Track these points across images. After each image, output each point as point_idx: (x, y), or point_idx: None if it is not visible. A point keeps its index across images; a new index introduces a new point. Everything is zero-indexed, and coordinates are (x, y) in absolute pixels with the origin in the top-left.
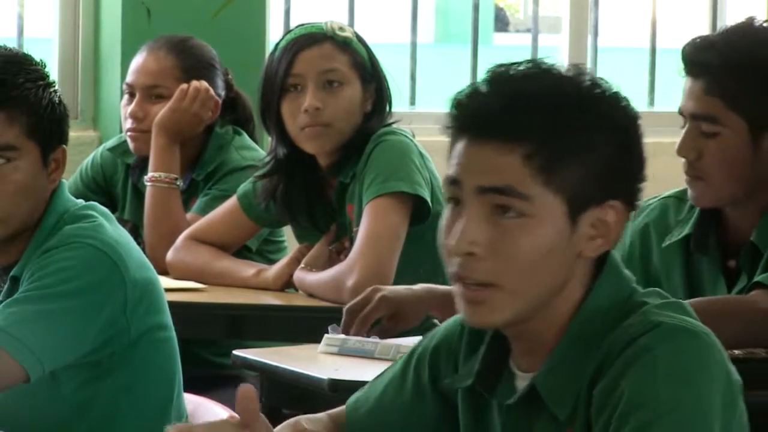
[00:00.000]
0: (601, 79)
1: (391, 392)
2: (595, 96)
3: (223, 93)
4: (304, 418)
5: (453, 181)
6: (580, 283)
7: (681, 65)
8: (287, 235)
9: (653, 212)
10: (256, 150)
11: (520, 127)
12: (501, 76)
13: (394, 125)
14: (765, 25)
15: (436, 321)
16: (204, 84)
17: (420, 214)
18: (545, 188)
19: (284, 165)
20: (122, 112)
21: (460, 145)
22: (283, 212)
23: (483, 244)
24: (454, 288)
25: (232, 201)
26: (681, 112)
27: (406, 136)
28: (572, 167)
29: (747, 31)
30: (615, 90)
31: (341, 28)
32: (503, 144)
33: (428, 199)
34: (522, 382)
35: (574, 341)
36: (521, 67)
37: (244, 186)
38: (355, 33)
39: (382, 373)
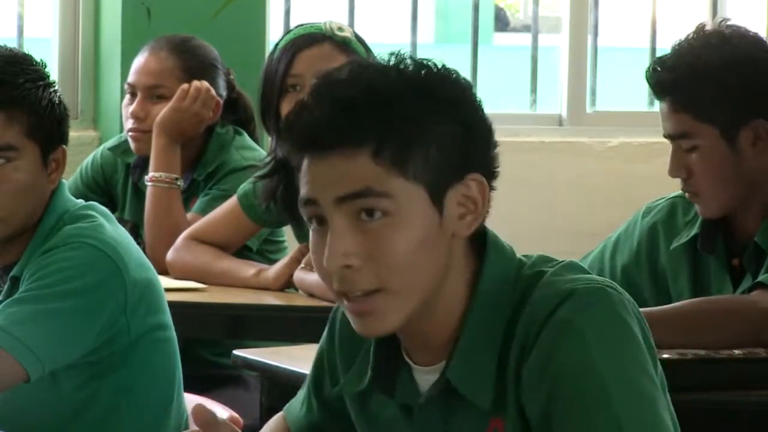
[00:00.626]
0: (425, 59)
1: (299, 407)
2: (422, 78)
3: (224, 93)
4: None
5: (309, 201)
6: (464, 267)
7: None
8: (287, 235)
9: (661, 212)
10: (257, 150)
11: (357, 129)
12: (324, 86)
13: None
14: (716, 27)
15: None
16: (205, 84)
17: None
18: (402, 180)
19: (284, 165)
20: (123, 112)
21: (305, 164)
22: (284, 212)
23: (356, 253)
24: (339, 304)
25: (232, 201)
26: (664, 136)
27: None
28: (422, 152)
29: (695, 40)
30: (441, 66)
31: (340, 28)
32: (347, 151)
33: None
34: (424, 376)
35: (479, 326)
36: (342, 71)
37: (245, 186)
38: (355, 33)
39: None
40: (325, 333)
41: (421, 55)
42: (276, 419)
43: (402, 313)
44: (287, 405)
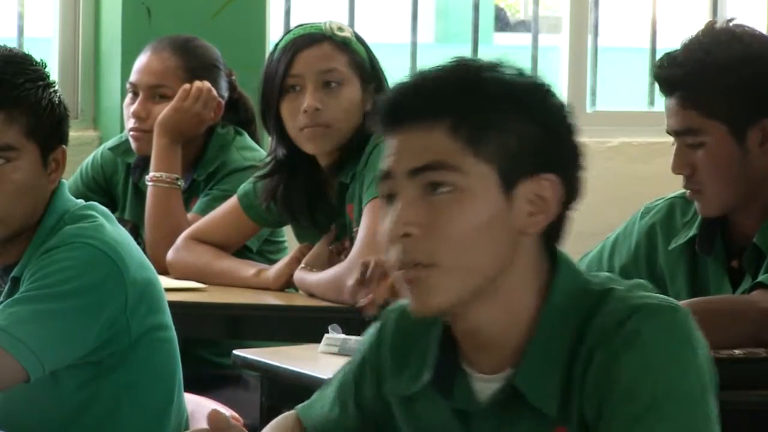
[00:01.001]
0: (526, 69)
1: (328, 409)
2: (515, 78)
3: (226, 94)
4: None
5: (386, 175)
6: (535, 273)
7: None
8: (287, 235)
9: (659, 213)
10: (258, 150)
11: (440, 102)
12: (421, 71)
13: None
14: (725, 26)
15: None
16: (206, 84)
17: None
18: (475, 159)
19: (284, 165)
20: (125, 111)
21: (388, 140)
22: (284, 212)
23: (418, 224)
24: (396, 277)
25: (232, 201)
26: (668, 132)
27: None
28: (498, 138)
29: (705, 37)
30: (540, 78)
31: (340, 28)
32: (426, 122)
33: None
34: (483, 384)
35: (549, 335)
36: (442, 63)
37: (245, 186)
38: (355, 33)
39: (330, 381)
40: (370, 336)
41: (421, 55)
42: (285, 419)
43: (451, 293)
44: (301, 406)
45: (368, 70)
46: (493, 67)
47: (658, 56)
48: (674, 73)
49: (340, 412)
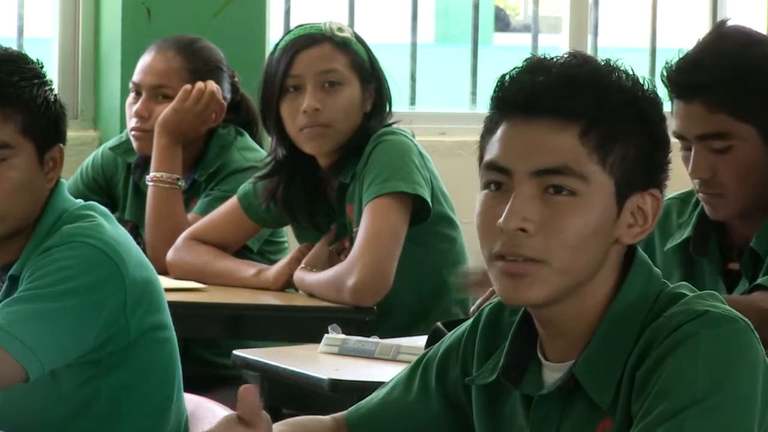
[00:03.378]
0: (635, 74)
1: (395, 394)
2: (634, 85)
3: (228, 96)
4: (307, 418)
5: (499, 168)
6: (612, 274)
7: (664, 90)
8: (288, 235)
9: None
10: (258, 151)
11: (576, 101)
12: (539, 62)
13: (394, 125)
14: (735, 26)
15: (440, 326)
16: (211, 86)
17: (420, 214)
18: (599, 167)
19: (284, 165)
20: (127, 110)
21: (504, 127)
22: (284, 212)
23: (535, 221)
24: (491, 268)
25: (232, 201)
26: (681, 136)
27: (406, 136)
28: (622, 150)
29: (724, 38)
30: (650, 87)
31: (340, 29)
32: (557, 121)
33: (428, 199)
34: (551, 372)
35: (611, 330)
36: (557, 57)
37: (245, 186)
38: (355, 33)
39: (387, 382)
40: (466, 326)
41: (421, 55)
42: (321, 422)
43: (550, 289)
44: (354, 406)
45: (368, 70)
46: (616, 69)
47: (658, 56)
48: (701, 78)
49: (422, 396)
